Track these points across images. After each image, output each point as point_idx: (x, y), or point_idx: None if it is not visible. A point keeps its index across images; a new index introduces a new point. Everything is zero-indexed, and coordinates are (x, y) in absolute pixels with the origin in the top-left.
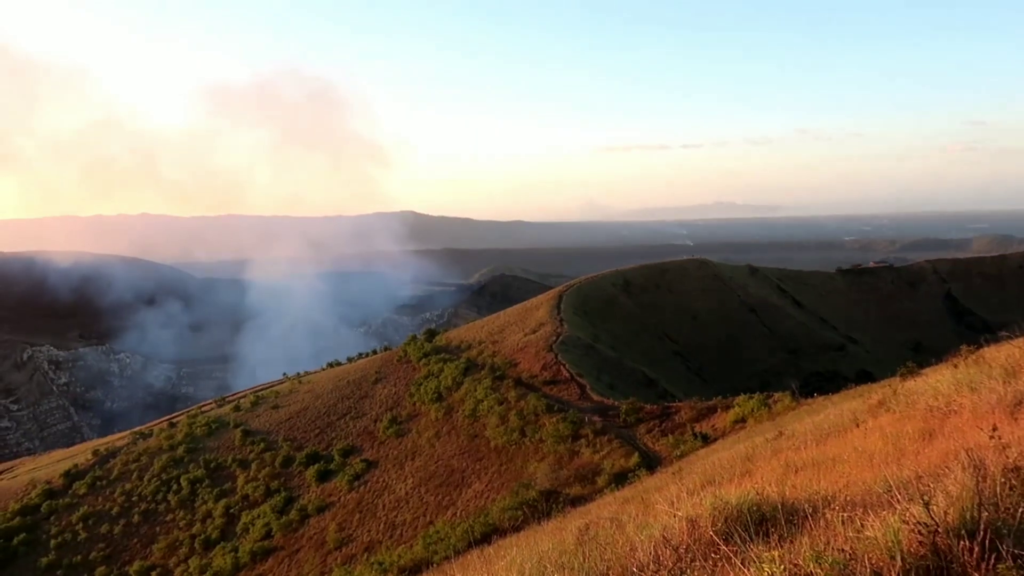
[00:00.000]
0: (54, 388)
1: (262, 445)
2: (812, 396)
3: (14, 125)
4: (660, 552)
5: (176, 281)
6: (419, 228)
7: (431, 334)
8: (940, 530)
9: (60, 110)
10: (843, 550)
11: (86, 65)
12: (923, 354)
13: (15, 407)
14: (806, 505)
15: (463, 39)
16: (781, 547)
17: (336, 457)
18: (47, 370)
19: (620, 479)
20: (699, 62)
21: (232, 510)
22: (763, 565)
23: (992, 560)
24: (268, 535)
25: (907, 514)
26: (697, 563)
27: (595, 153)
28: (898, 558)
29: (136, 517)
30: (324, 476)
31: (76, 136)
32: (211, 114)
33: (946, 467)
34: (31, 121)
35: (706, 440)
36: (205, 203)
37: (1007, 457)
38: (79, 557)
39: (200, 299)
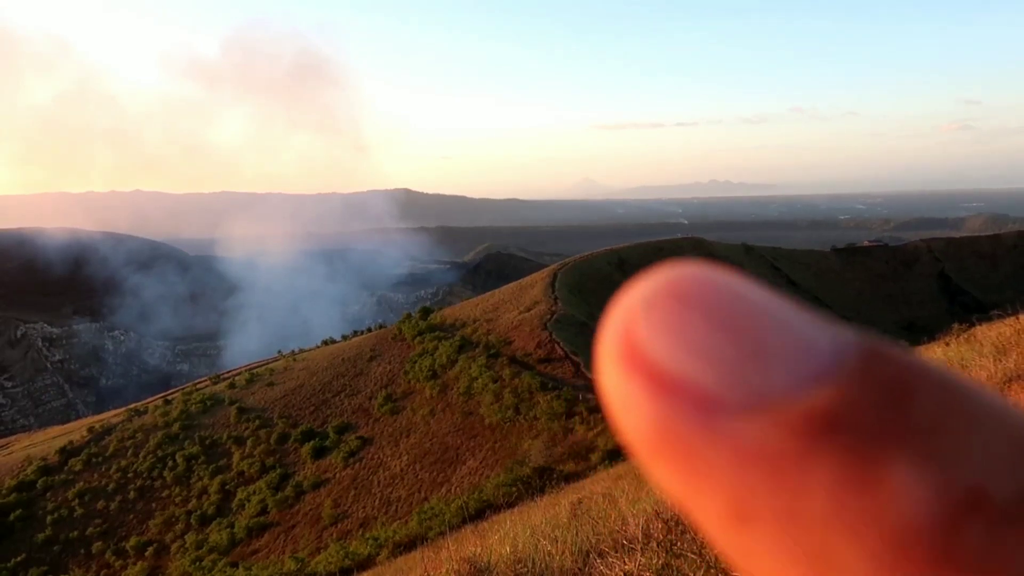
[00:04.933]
0: (48, 365)
1: (257, 422)
2: None
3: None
4: (651, 525)
5: (169, 257)
6: (413, 206)
7: (426, 312)
8: None
9: (41, 84)
10: None
11: (66, 38)
12: (916, 333)
13: (9, 384)
14: None
15: (455, 15)
16: None
17: (331, 434)
18: (41, 347)
19: (614, 456)
20: (692, 38)
21: (228, 486)
22: None
23: None
24: (264, 511)
25: None
26: (687, 535)
27: (589, 131)
28: None
29: (132, 493)
30: (319, 453)
31: (57, 110)
32: (198, 90)
33: None
34: (13, 95)
35: None
36: (196, 178)
37: None
38: (75, 533)
39: (193, 276)
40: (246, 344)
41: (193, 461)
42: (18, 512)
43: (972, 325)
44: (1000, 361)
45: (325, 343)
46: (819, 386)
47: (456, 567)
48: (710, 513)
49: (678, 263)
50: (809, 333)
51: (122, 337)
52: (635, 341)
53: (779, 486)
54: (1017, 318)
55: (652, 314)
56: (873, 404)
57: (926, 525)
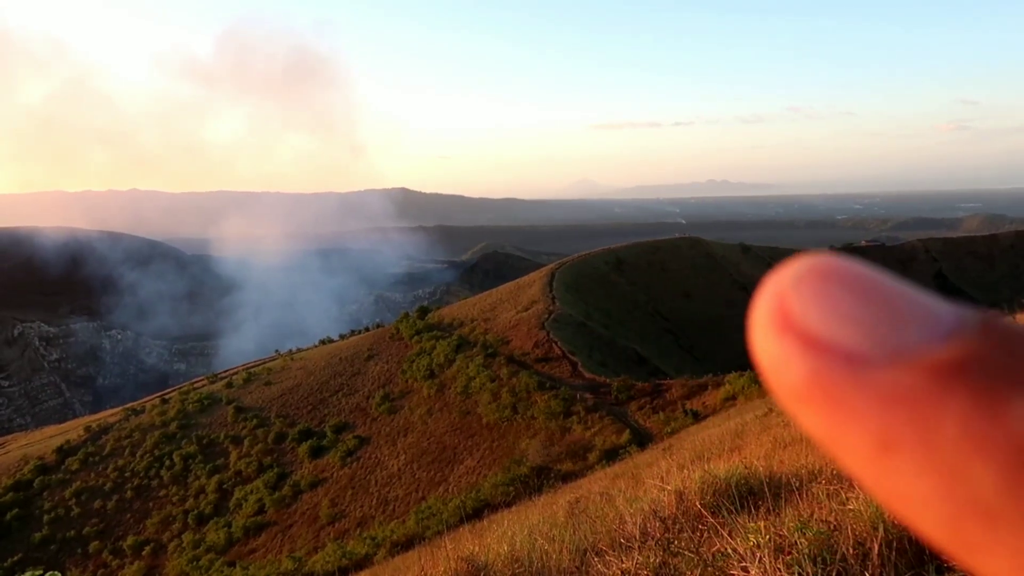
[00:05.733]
0: (45, 364)
1: (255, 421)
2: None
3: None
4: (649, 524)
5: (166, 256)
6: (411, 205)
7: (423, 311)
8: None
9: (39, 83)
10: (827, 521)
11: (64, 37)
12: None
13: (6, 383)
14: (793, 479)
15: (454, 15)
16: (767, 519)
17: (329, 433)
18: (38, 346)
19: (611, 455)
20: (689, 38)
21: (225, 486)
22: (749, 535)
23: None
24: (261, 510)
25: None
26: (685, 534)
27: (587, 130)
28: (881, 529)
29: (129, 492)
30: (317, 452)
31: (55, 109)
32: (195, 89)
33: None
34: (12, 94)
35: (697, 417)
36: (193, 177)
37: None
38: (73, 532)
39: (191, 275)
40: (243, 343)
41: (190, 460)
42: (15, 511)
43: None
44: None
45: (323, 342)
46: (948, 342)
47: (454, 566)
48: (856, 447)
49: (814, 253)
50: (933, 304)
51: (119, 336)
52: (788, 311)
53: (919, 419)
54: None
55: (801, 290)
56: (994, 354)
57: None
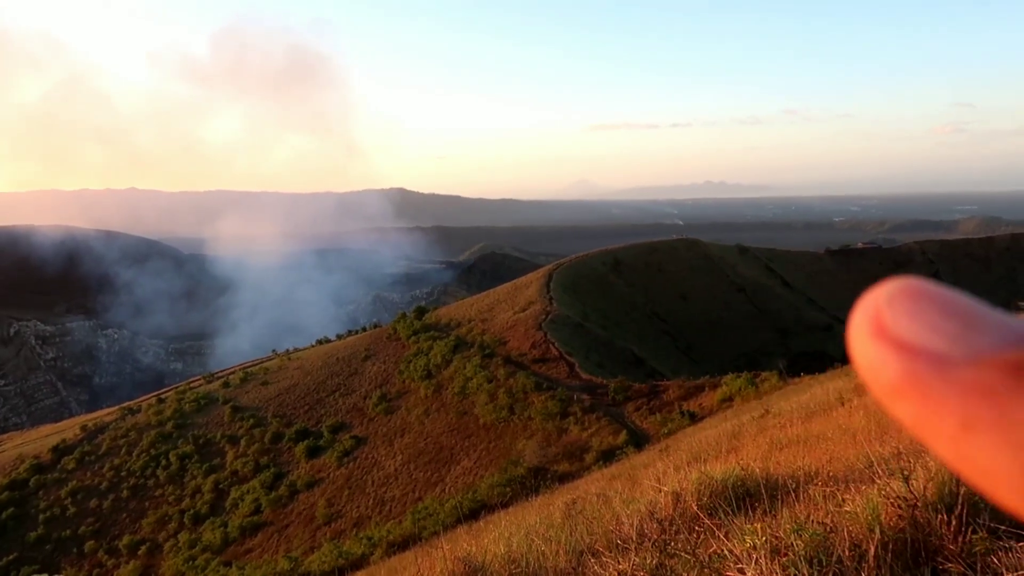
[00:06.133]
0: (41, 363)
1: (251, 421)
2: (799, 375)
3: None
4: (645, 525)
5: (163, 255)
6: (409, 205)
7: (421, 312)
8: (919, 504)
9: (37, 82)
10: (823, 523)
11: (61, 36)
12: None
13: (2, 382)
14: (789, 481)
15: (452, 15)
16: (764, 520)
17: (325, 433)
18: (34, 345)
19: (608, 456)
20: (686, 40)
21: (221, 485)
22: (745, 537)
23: (968, 533)
24: (257, 510)
25: (887, 489)
26: (681, 535)
27: (585, 131)
28: (877, 531)
29: (125, 492)
30: (313, 452)
31: (52, 108)
32: (193, 88)
33: None
34: (9, 92)
35: (694, 418)
36: (190, 177)
37: None
38: (68, 531)
39: (187, 274)
40: (240, 343)
41: (187, 460)
42: (10, 511)
43: None
44: None
45: (320, 342)
46: (1019, 346)
47: (450, 566)
48: (942, 430)
49: (904, 277)
50: (1004, 317)
51: (115, 335)
52: (883, 323)
53: (996, 405)
54: None
55: (894, 305)
56: None
57: None
